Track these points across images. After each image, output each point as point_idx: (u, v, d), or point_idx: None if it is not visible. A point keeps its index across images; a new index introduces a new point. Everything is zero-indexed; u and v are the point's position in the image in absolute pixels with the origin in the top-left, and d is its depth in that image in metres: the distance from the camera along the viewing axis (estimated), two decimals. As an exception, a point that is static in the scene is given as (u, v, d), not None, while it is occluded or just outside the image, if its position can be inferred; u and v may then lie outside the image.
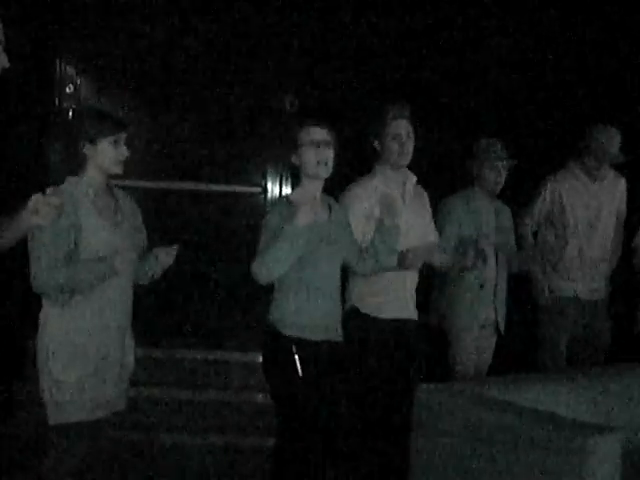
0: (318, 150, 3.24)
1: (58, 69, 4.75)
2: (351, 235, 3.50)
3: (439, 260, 3.91)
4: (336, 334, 3.38)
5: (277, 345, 3.25)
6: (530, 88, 5.48)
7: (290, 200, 3.25)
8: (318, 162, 3.25)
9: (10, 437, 3.96)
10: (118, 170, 3.06)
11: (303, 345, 3.23)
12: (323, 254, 3.29)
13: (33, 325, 3.02)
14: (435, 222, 4.04)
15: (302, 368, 3.22)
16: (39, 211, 2.54)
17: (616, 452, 2.89)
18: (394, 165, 3.74)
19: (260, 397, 4.80)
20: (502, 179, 4.14)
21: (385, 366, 3.72)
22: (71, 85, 4.69)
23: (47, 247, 2.85)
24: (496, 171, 4.10)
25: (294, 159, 3.32)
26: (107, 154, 3.01)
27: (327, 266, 3.32)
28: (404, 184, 3.81)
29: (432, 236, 3.91)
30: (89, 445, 3.05)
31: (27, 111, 4.71)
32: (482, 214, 4.20)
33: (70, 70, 4.71)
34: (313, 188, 3.32)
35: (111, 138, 3.00)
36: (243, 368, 5.00)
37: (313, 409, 3.24)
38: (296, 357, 3.21)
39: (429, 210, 3.98)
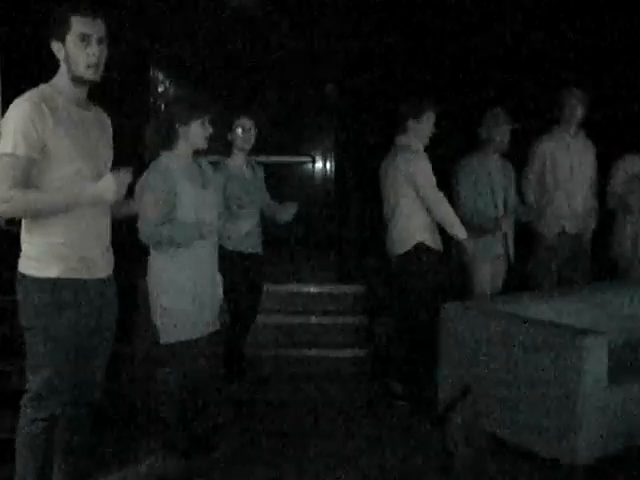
0: (246, 133, 3.70)
1: (152, 73, 4.72)
2: (264, 191, 3.87)
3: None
4: (258, 247, 3.79)
5: (223, 255, 3.32)
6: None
7: (228, 166, 3.70)
8: (245, 141, 3.70)
9: (126, 356, 3.89)
10: (204, 145, 2.97)
11: (238, 255, 3.66)
12: (250, 199, 3.67)
13: (142, 267, 3.00)
14: (455, 180, 3.96)
15: (236, 270, 3.59)
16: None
17: (604, 350, 2.88)
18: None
19: (346, 319, 4.65)
20: (507, 140, 3.96)
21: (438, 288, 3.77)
22: (162, 85, 4.66)
23: (152, 208, 2.79)
24: (502, 134, 3.91)
25: (229, 136, 3.70)
26: (197, 132, 2.93)
27: (250, 205, 3.69)
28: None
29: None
30: (196, 358, 2.98)
31: (131, 106, 4.70)
32: (493, 170, 3.99)
33: (161, 74, 4.66)
34: (242, 156, 3.74)
35: (200, 120, 2.93)
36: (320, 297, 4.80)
37: (237, 301, 3.66)
38: (235, 263, 3.61)
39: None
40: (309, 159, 5.47)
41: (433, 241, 3.69)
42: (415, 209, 3.64)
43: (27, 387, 2.33)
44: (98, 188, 2.23)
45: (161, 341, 2.90)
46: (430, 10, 5.20)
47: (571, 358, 2.80)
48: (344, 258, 5.04)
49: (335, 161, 5.43)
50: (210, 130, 2.96)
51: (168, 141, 2.92)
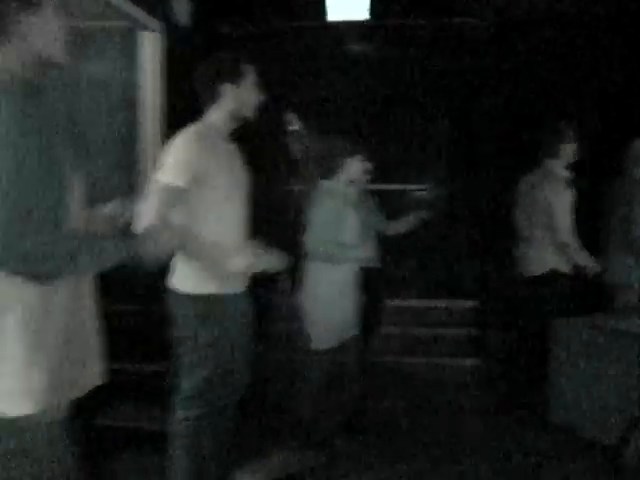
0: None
1: (285, 114, 4.98)
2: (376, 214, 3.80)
3: None
4: (377, 262, 3.65)
5: None
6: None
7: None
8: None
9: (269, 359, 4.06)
10: (362, 178, 3.21)
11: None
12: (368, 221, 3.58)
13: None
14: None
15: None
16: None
17: None
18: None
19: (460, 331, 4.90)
20: None
21: None
22: (294, 125, 4.92)
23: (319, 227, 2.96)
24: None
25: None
26: (358, 166, 3.16)
27: (369, 226, 3.59)
28: None
29: None
30: (339, 361, 3.11)
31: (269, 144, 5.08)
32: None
33: (292, 115, 4.92)
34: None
35: (361, 155, 3.17)
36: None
37: None
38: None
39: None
40: (423, 187, 5.68)
41: (567, 265, 3.62)
42: (549, 235, 3.63)
43: (180, 389, 2.42)
44: (233, 263, 2.31)
45: (312, 347, 3.01)
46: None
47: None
48: (459, 274, 5.21)
49: (449, 187, 5.67)
50: (366, 166, 3.19)
51: (329, 172, 3.08)
